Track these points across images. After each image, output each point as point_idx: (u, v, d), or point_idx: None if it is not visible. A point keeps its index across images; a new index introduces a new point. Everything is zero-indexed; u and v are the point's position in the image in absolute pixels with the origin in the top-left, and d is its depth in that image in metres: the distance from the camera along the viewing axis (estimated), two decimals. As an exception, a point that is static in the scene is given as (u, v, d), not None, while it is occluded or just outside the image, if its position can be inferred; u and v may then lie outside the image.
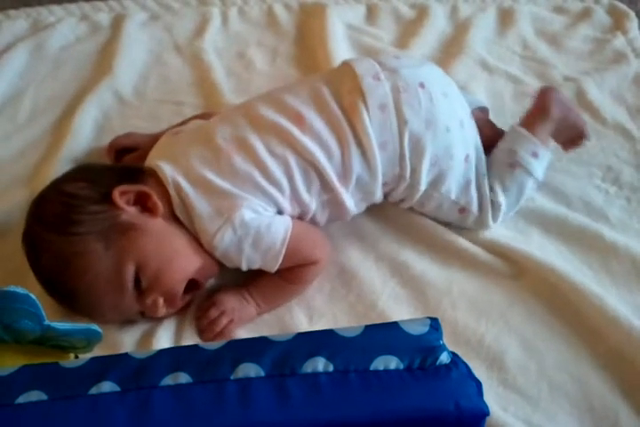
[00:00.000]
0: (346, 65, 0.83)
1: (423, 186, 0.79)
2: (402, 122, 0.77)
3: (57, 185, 0.74)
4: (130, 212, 0.71)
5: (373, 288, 0.78)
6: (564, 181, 0.90)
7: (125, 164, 0.88)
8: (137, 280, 0.70)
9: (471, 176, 0.81)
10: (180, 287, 0.72)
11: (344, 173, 0.77)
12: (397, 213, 0.85)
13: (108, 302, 0.70)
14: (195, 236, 0.74)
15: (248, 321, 0.75)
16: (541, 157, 0.83)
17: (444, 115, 0.79)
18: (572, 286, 0.75)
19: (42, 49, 1.16)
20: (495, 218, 0.82)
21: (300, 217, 0.78)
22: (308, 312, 0.76)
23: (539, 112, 0.84)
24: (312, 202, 0.77)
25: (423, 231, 0.83)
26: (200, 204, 0.72)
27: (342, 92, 0.78)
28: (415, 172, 0.78)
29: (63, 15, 1.24)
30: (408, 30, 1.18)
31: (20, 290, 0.52)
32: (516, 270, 0.79)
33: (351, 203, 0.79)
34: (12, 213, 0.85)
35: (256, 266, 0.75)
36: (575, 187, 0.89)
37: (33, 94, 1.05)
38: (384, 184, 0.79)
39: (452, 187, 0.80)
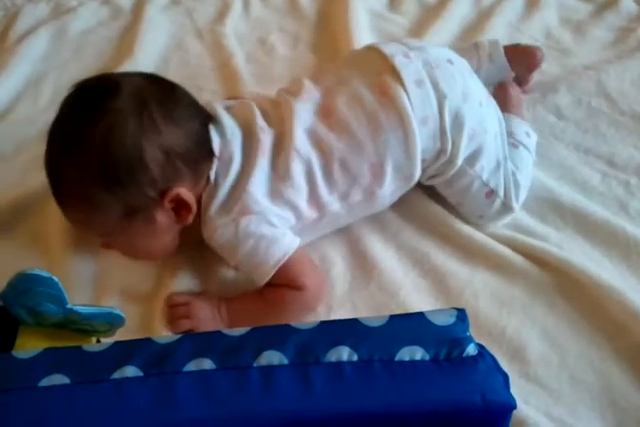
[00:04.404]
0: (371, 48, 0.82)
1: (460, 160, 0.78)
2: (441, 95, 0.76)
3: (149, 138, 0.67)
4: (163, 212, 0.70)
5: (394, 278, 0.77)
6: (583, 173, 0.89)
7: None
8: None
9: (500, 157, 0.81)
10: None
11: (378, 164, 0.75)
12: (419, 204, 0.84)
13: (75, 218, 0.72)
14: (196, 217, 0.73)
15: None
16: (532, 137, 0.88)
17: (476, 89, 0.80)
18: (593, 279, 0.74)
19: (63, 33, 1.16)
20: (518, 199, 0.82)
21: (319, 219, 0.76)
22: (328, 301, 0.76)
23: (508, 100, 0.92)
24: (334, 204, 0.76)
25: (444, 223, 0.83)
26: (221, 192, 0.72)
27: (371, 74, 0.77)
28: (455, 145, 0.77)
29: (84, -1, 1.24)
30: (431, 16, 1.16)
31: (43, 273, 0.52)
32: (538, 263, 0.78)
33: (385, 195, 0.78)
34: (34, 195, 0.85)
35: (244, 271, 0.74)
36: (594, 178, 0.88)
37: (55, 78, 1.06)
38: (422, 160, 0.77)
39: (484, 166, 0.80)
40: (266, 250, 0.71)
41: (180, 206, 0.70)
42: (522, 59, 0.96)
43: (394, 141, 0.75)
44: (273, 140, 0.74)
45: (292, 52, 1.12)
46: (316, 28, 1.16)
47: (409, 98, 0.75)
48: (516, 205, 0.82)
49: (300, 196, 0.74)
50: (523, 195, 0.83)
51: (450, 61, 0.79)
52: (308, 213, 0.75)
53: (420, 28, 1.14)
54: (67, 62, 1.10)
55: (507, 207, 0.82)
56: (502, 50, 0.95)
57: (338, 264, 0.79)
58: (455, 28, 1.14)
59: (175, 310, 0.73)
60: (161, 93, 0.69)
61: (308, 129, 0.75)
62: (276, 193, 0.73)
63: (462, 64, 0.82)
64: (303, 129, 0.75)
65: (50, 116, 1.03)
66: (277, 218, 0.73)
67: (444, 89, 0.76)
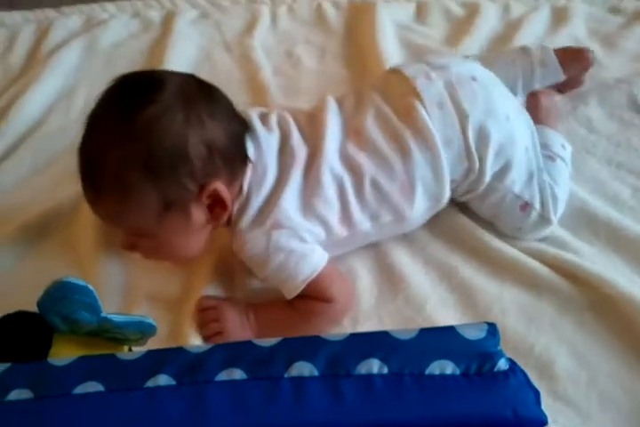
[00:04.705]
0: (393, 70, 0.83)
1: (488, 177, 0.78)
2: (463, 116, 0.77)
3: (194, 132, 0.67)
4: (199, 207, 0.69)
5: (422, 292, 0.77)
6: (614, 187, 0.88)
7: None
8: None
9: (533, 169, 0.80)
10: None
11: (408, 185, 0.76)
12: (447, 217, 0.84)
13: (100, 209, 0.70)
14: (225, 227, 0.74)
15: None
16: (568, 149, 0.87)
17: (502, 104, 0.80)
18: (624, 296, 0.73)
19: (95, 45, 1.17)
20: (556, 212, 0.81)
21: (349, 237, 0.76)
22: (354, 314, 0.76)
23: (541, 111, 0.91)
24: (364, 224, 0.76)
25: (473, 237, 0.82)
26: (255, 204, 0.72)
27: (394, 96, 0.78)
28: (482, 163, 0.77)
29: (116, 12, 1.26)
30: (458, 29, 1.16)
31: (79, 281, 0.53)
32: (568, 278, 0.77)
33: (415, 216, 0.78)
34: (64, 207, 0.87)
35: (273, 284, 0.74)
36: (625, 193, 0.87)
37: (86, 89, 1.07)
38: (451, 181, 0.78)
39: (515, 179, 0.79)
40: (295, 265, 0.71)
41: (215, 204, 0.70)
42: (573, 61, 0.96)
43: (421, 162, 0.76)
44: (307, 155, 0.75)
45: (318, 64, 1.13)
46: (342, 41, 1.17)
47: (431, 120, 0.76)
48: (554, 218, 0.81)
49: (332, 211, 0.74)
50: (561, 208, 0.82)
51: (473, 78, 0.79)
52: (339, 230, 0.75)
53: (447, 40, 1.14)
54: (98, 74, 1.11)
55: (544, 219, 0.81)
56: (553, 54, 0.94)
57: (364, 277, 0.79)
58: (483, 41, 1.13)
59: (205, 314, 0.74)
60: (203, 91, 0.71)
61: (340, 147, 0.76)
62: (307, 207, 0.73)
63: (488, 78, 0.82)
64: (335, 147, 0.76)
65: (80, 128, 1.05)
66: (308, 233, 0.73)
67: (466, 108, 0.77)
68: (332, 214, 0.74)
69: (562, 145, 0.87)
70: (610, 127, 0.96)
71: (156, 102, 0.66)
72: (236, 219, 0.73)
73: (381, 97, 0.79)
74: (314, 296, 0.72)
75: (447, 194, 0.78)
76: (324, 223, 0.74)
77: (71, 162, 0.94)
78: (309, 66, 1.12)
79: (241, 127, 0.73)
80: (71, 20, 1.25)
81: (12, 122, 1.01)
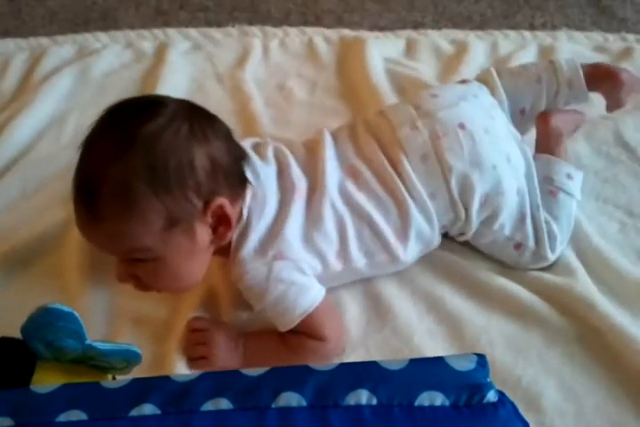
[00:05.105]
0: (382, 114, 0.82)
1: (475, 224, 0.79)
2: (446, 169, 0.77)
3: (198, 145, 0.66)
4: (203, 226, 0.68)
5: (409, 323, 0.77)
6: (602, 222, 0.89)
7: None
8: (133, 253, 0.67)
9: (526, 210, 0.80)
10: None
11: (402, 229, 0.76)
12: (436, 249, 0.84)
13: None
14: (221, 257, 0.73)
15: (222, 368, 0.70)
16: (576, 178, 0.84)
17: (488, 153, 0.78)
18: (613, 328, 0.74)
19: (87, 73, 1.18)
20: (553, 250, 0.80)
21: (342, 271, 0.76)
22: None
23: (550, 135, 0.86)
24: (360, 261, 0.76)
25: (460, 267, 0.83)
26: (256, 233, 0.72)
27: (385, 143, 0.79)
28: (468, 212, 0.78)
29: (108, 42, 1.27)
30: (447, 65, 1.18)
31: (64, 308, 0.52)
32: (556, 310, 0.78)
33: (408, 259, 0.78)
34: (51, 232, 0.86)
35: (269, 317, 0.73)
36: (612, 228, 0.88)
37: (77, 117, 1.07)
38: (441, 227, 0.79)
39: (505, 223, 0.79)
40: (295, 298, 0.70)
41: (219, 223, 0.69)
42: (604, 79, 0.89)
43: (415, 211, 0.76)
44: (307, 188, 0.75)
45: (309, 97, 1.14)
46: (333, 75, 1.18)
47: (415, 174, 0.76)
48: (551, 255, 0.80)
49: (331, 246, 0.74)
50: (560, 243, 0.81)
51: (461, 126, 0.78)
52: (335, 264, 0.75)
53: (436, 76, 1.16)
54: (89, 102, 1.12)
55: (539, 257, 0.81)
56: (582, 76, 0.88)
57: (352, 307, 0.79)
58: (472, 78, 1.15)
59: (194, 335, 0.73)
60: (203, 112, 0.71)
61: (339, 184, 0.76)
62: (308, 240, 0.73)
63: (478, 122, 0.79)
64: (335, 183, 0.76)
65: (71, 154, 1.05)
66: (307, 265, 0.73)
67: (450, 161, 0.76)
68: (331, 249, 0.74)
69: (567, 175, 0.83)
70: (597, 163, 0.97)
71: (159, 116, 0.65)
72: (237, 247, 0.72)
73: (374, 140, 0.79)
74: (307, 333, 0.72)
75: (438, 239, 0.80)
76: (322, 257, 0.74)
77: (60, 188, 0.94)
78: (300, 98, 1.14)
79: (241, 151, 0.73)
80: (64, 48, 1.25)
81: (1, 147, 1.00)
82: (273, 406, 0.47)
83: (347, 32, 1.28)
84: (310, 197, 0.75)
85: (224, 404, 0.47)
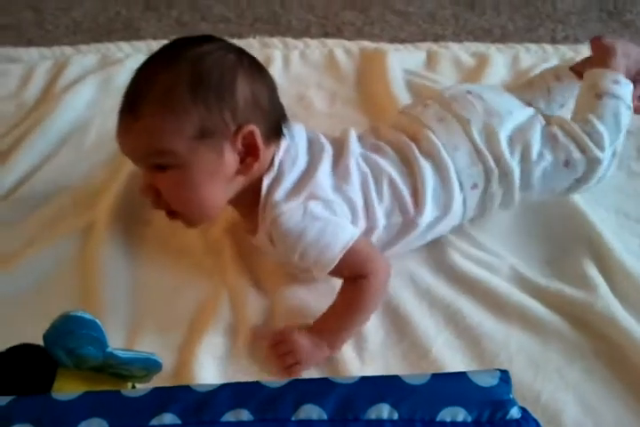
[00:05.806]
0: (398, 113, 0.90)
1: (515, 167, 0.81)
2: (464, 122, 0.82)
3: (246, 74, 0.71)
4: (231, 150, 0.70)
5: (427, 335, 0.76)
6: (623, 237, 0.88)
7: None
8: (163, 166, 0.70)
9: (552, 128, 0.83)
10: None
11: (418, 190, 0.79)
12: (453, 260, 0.84)
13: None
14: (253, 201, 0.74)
15: (316, 364, 0.73)
16: (623, 84, 0.86)
17: (500, 104, 0.84)
18: (634, 343, 0.73)
19: (110, 83, 1.19)
20: (602, 148, 0.82)
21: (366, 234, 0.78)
22: (361, 355, 0.75)
23: (603, 52, 0.89)
24: (380, 220, 0.78)
25: (479, 280, 0.82)
26: (288, 180, 0.74)
27: (405, 127, 0.85)
28: (499, 159, 0.81)
29: (131, 51, 1.29)
30: (468, 78, 1.19)
31: (86, 315, 0.53)
32: (577, 325, 0.77)
33: (425, 223, 0.79)
34: (72, 236, 0.87)
35: (308, 261, 0.73)
36: (633, 243, 0.87)
37: (99, 125, 1.08)
38: (473, 186, 0.81)
39: (541, 150, 0.82)
40: (333, 233, 0.72)
41: (247, 152, 0.71)
42: (595, 55, 0.92)
43: (429, 171, 0.79)
44: (333, 151, 0.79)
45: (329, 107, 1.15)
46: (353, 86, 1.19)
47: (435, 133, 0.81)
48: (601, 154, 0.82)
49: (358, 198, 0.77)
50: (608, 141, 0.83)
51: (468, 92, 0.86)
52: (361, 220, 0.77)
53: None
54: (112, 110, 1.11)
55: (592, 161, 0.83)
56: (567, 67, 0.95)
57: (371, 320, 0.78)
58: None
59: (278, 348, 0.73)
60: (255, 60, 0.75)
61: (362, 153, 0.81)
62: (338, 189, 0.76)
63: (482, 89, 0.89)
64: (357, 152, 0.80)
65: (92, 161, 1.06)
66: (340, 208, 0.75)
67: (466, 115, 0.82)
68: (358, 202, 0.76)
69: (613, 81, 0.85)
70: (618, 177, 0.96)
71: (211, 42, 0.71)
72: (269, 191, 0.73)
73: (395, 129, 0.85)
74: (352, 272, 0.73)
75: (456, 204, 0.81)
76: (351, 205, 0.76)
77: (78, 195, 0.95)
78: (320, 109, 1.14)
79: (281, 107, 0.77)
80: (87, 58, 1.27)
81: (25, 153, 1.01)
82: (293, 418, 0.47)
83: (367, 44, 1.29)
84: (337, 158, 0.78)
85: (244, 415, 0.47)
